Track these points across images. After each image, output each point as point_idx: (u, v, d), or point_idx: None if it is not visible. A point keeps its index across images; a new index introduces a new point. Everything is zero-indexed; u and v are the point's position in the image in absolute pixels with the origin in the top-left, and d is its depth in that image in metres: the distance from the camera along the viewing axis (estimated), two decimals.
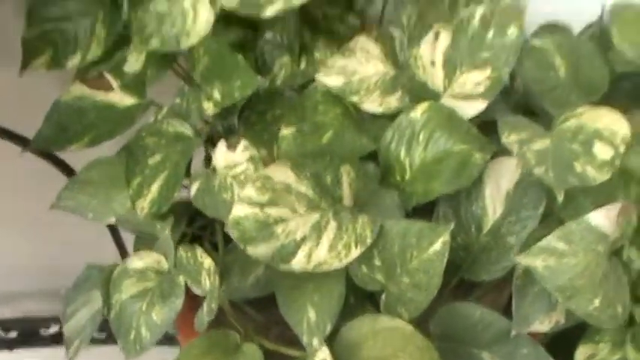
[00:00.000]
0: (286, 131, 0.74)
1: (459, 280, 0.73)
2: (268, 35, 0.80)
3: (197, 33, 0.75)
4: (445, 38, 0.72)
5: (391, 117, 0.75)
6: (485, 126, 0.75)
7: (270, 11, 0.71)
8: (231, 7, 0.72)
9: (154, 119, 0.81)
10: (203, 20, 0.75)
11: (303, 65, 0.79)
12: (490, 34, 0.71)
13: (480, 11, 0.71)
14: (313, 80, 0.78)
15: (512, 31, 0.70)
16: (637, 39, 0.79)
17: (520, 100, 0.81)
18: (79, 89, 0.82)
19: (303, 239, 0.65)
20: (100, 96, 0.82)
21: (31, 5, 0.82)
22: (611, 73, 0.81)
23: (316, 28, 0.80)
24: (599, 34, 0.84)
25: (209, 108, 0.74)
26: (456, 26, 0.72)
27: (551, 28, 0.85)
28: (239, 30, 0.82)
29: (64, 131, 0.82)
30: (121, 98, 0.82)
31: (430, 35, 0.73)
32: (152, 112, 0.83)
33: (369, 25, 0.79)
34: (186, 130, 0.77)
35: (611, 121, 0.68)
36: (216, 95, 0.74)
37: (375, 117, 0.76)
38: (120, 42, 0.83)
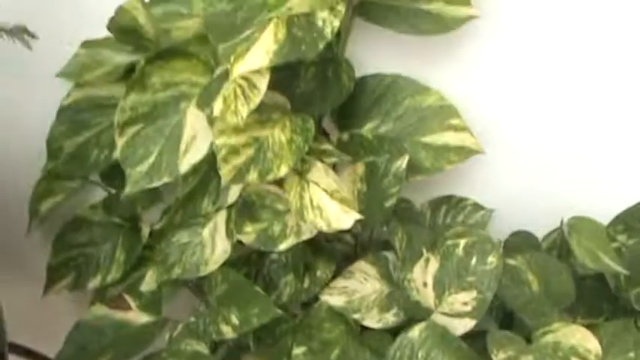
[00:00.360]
0: (297, 350, 0.82)
1: None
2: (274, 255, 0.90)
3: (215, 262, 0.84)
4: (434, 264, 0.83)
5: (390, 329, 0.84)
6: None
7: (283, 246, 0.81)
8: (248, 242, 0.82)
9: (169, 336, 0.88)
10: (220, 250, 0.84)
11: (306, 283, 0.88)
12: (473, 261, 0.82)
13: (463, 242, 0.82)
14: (316, 297, 0.87)
15: (491, 260, 0.81)
16: (594, 251, 0.91)
17: (499, 306, 0.92)
18: (100, 309, 0.89)
19: None
20: (119, 315, 0.89)
21: (60, 233, 0.90)
22: (574, 274, 0.93)
23: (317, 247, 0.90)
24: (560, 242, 0.97)
25: (228, 332, 0.81)
26: (443, 253, 0.83)
27: (519, 235, 0.98)
28: (245, 248, 0.91)
29: (84, 351, 0.87)
30: (138, 317, 0.89)
31: (421, 261, 0.83)
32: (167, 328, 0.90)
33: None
34: (203, 349, 0.84)
35: (583, 338, 0.78)
36: (234, 320, 0.82)
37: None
38: (136, 262, 0.92)
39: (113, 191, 0.90)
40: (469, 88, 0.90)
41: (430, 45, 0.87)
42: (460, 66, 0.89)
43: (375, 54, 0.89)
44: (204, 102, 0.76)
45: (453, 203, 0.97)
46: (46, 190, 0.90)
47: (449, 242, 0.83)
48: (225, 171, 0.75)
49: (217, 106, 0.74)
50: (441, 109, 0.88)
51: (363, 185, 0.87)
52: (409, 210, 0.94)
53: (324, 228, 0.78)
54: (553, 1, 0.84)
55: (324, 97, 0.84)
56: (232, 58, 0.72)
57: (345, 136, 0.89)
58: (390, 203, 0.86)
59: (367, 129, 0.89)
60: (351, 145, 0.89)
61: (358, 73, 0.88)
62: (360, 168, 0.87)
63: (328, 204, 0.78)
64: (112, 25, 0.77)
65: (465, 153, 0.88)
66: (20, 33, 0.65)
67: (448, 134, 0.88)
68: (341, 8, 0.76)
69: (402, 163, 0.86)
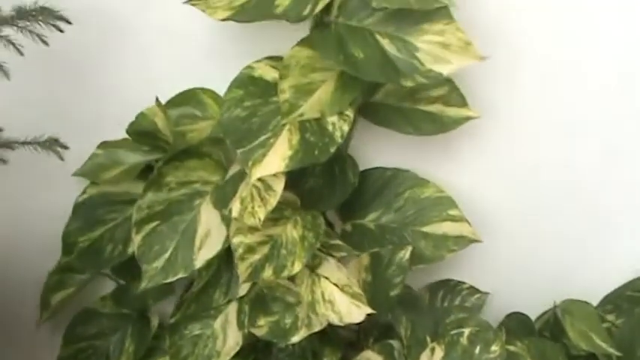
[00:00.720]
0: None
1: None
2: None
3: (226, 353, 0.86)
4: (439, 352, 0.86)
5: None
6: None
7: (295, 338, 0.84)
8: (260, 335, 0.84)
9: None
10: (232, 342, 0.86)
11: None
12: (477, 349, 0.85)
13: (467, 331, 0.86)
14: None
15: (494, 349, 0.85)
16: (587, 333, 0.95)
17: None
18: None
19: None
20: None
21: (70, 325, 0.91)
22: (567, 353, 0.96)
23: (323, 335, 0.92)
24: (553, 323, 1.01)
25: None
26: (448, 342, 0.86)
27: (514, 317, 1.02)
28: (252, 335, 0.93)
29: None
30: None
31: (427, 350, 0.86)
32: None
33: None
34: None
35: None
36: None
37: None
38: (145, 353, 0.93)
39: (122, 282, 0.92)
40: (466, 182, 0.95)
41: (428, 142, 0.92)
42: (457, 161, 0.94)
43: (376, 150, 0.94)
44: (221, 202, 0.79)
45: (450, 287, 1.01)
46: (58, 282, 0.91)
47: (453, 331, 0.87)
48: (243, 269, 0.78)
49: (235, 207, 0.77)
50: (440, 200, 0.92)
51: (368, 275, 0.90)
52: (410, 295, 0.97)
53: (336, 321, 0.81)
54: (544, 103, 0.90)
55: (331, 192, 0.87)
56: (250, 163, 0.76)
57: (349, 227, 0.93)
58: (394, 292, 0.89)
59: (369, 219, 0.93)
60: (355, 235, 0.93)
61: (360, 167, 0.92)
62: (366, 259, 0.90)
63: (339, 298, 0.82)
64: (132, 128, 0.80)
65: (463, 242, 0.92)
66: (53, 145, 0.68)
67: (447, 224, 0.92)
68: (349, 113, 0.80)
69: (406, 253, 0.90)
